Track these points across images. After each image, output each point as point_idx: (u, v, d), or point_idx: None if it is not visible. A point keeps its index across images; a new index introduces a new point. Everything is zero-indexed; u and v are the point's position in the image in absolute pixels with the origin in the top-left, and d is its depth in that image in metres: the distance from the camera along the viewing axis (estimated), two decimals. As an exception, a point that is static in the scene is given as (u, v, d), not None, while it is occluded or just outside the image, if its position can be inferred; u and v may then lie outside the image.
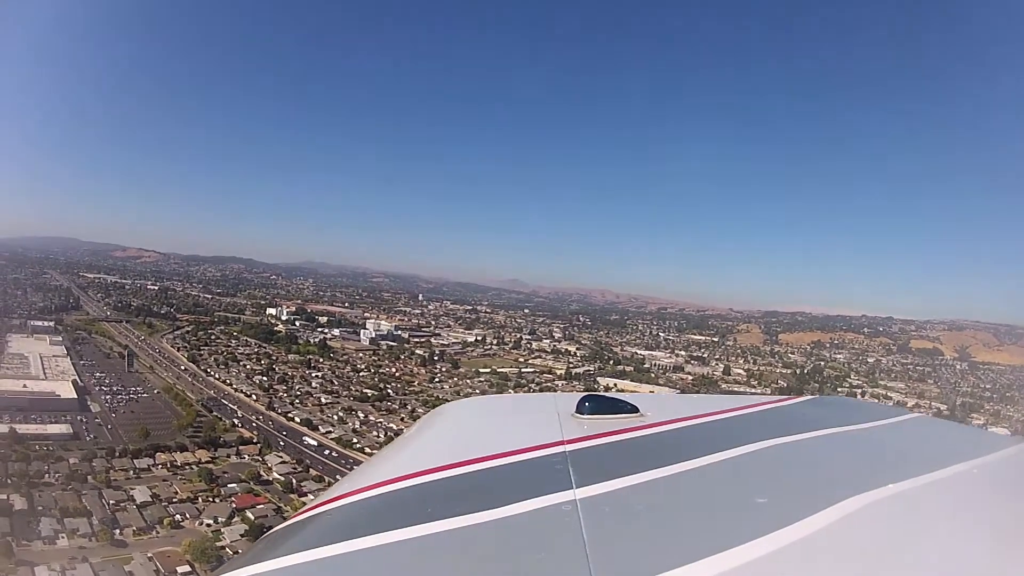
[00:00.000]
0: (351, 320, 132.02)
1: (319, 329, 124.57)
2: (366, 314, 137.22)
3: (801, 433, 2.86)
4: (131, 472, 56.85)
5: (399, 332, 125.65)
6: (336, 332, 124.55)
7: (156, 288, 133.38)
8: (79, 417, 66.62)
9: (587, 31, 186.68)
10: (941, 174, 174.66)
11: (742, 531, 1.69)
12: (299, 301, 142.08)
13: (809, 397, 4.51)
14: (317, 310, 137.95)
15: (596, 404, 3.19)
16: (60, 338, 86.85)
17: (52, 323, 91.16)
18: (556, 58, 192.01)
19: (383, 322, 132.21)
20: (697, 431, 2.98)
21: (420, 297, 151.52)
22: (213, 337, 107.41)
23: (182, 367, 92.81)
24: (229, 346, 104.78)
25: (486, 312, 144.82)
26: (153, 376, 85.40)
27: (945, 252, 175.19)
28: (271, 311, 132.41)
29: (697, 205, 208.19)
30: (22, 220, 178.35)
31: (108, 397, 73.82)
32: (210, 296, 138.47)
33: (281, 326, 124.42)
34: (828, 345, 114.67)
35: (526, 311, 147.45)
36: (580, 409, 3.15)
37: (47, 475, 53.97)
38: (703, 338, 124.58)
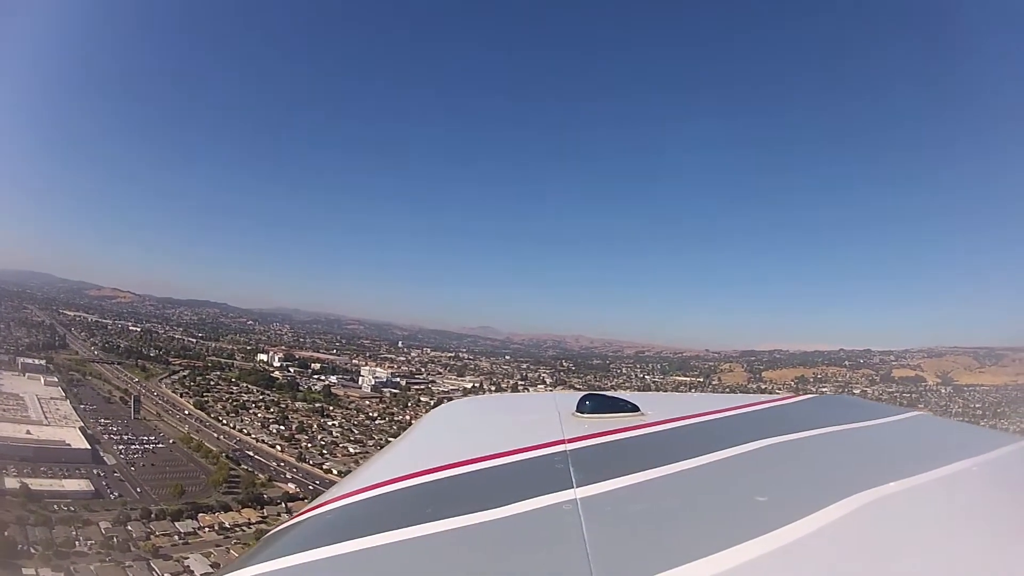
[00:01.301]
0: (343, 367, 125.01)
1: (316, 376, 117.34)
2: (354, 361, 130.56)
3: (802, 431, 2.74)
4: (176, 537, 47.89)
5: (397, 379, 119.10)
6: (333, 379, 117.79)
7: (138, 330, 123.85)
8: (95, 471, 56.94)
9: (556, 84, 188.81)
10: (906, 208, 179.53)
11: (743, 530, 1.64)
12: (283, 347, 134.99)
13: (810, 396, 4.31)
14: (304, 356, 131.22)
15: (596, 403, 3.10)
16: (55, 379, 76.03)
17: (43, 362, 79.89)
18: (521, 109, 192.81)
19: (378, 369, 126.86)
20: (698, 430, 2.88)
21: (400, 344, 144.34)
22: (212, 383, 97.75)
23: (187, 413, 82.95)
24: (231, 393, 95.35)
25: (469, 359, 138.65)
26: (162, 424, 75.65)
27: (917, 281, 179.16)
28: (262, 357, 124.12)
29: (666, 251, 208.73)
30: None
31: (121, 447, 64.01)
32: (194, 340, 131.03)
33: (278, 373, 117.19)
34: (812, 380, 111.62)
35: (507, 357, 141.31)
36: (580, 408, 3.07)
37: (77, 542, 44.31)
38: (689, 379, 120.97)
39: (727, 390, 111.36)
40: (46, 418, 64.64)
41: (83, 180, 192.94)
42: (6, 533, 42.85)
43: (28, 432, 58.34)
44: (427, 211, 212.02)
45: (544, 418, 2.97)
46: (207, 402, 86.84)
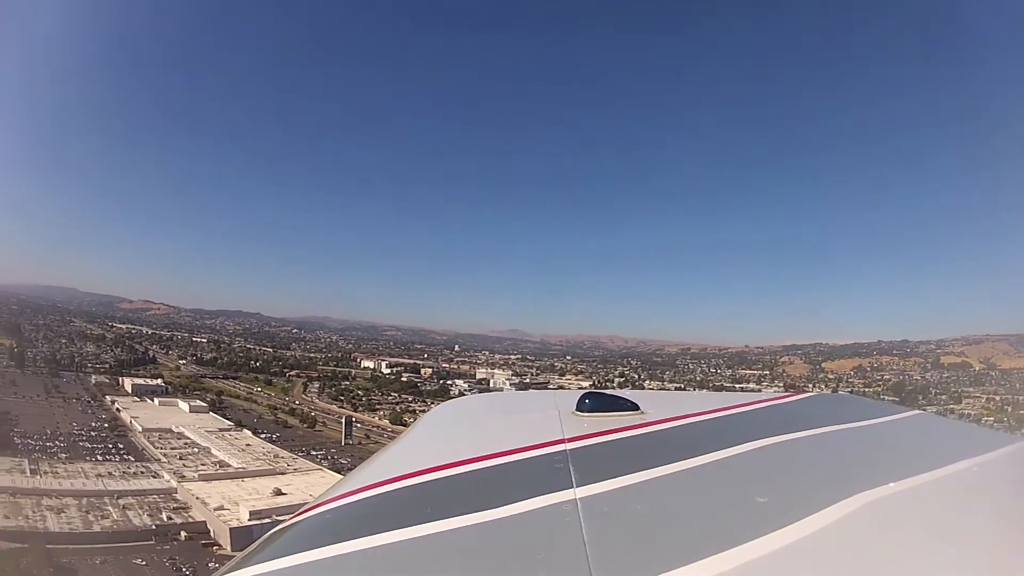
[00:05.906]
0: (454, 372, 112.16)
1: (443, 382, 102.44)
2: (448, 366, 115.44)
3: (803, 431, 2.65)
4: None
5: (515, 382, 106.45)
6: (464, 384, 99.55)
7: (204, 341, 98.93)
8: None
9: (576, 93, 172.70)
10: (927, 207, 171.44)
11: (744, 530, 1.59)
12: (362, 354, 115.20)
13: (811, 394, 4.13)
14: (396, 363, 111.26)
15: (597, 402, 3.00)
16: (201, 403, 45.46)
17: (159, 381, 49.44)
18: (551, 111, 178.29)
19: (496, 372, 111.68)
20: (698, 429, 2.79)
21: (456, 348, 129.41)
22: (364, 394, 73.48)
23: (382, 430, 55.48)
24: (400, 403, 69.15)
25: (533, 361, 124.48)
26: (377, 448, 46.00)
27: (949, 271, 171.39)
28: (367, 364, 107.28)
29: (695, 249, 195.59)
30: (18, 266, 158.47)
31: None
32: (271, 350, 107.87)
33: (407, 379, 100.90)
34: (869, 369, 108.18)
35: (568, 358, 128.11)
36: (581, 407, 2.97)
37: None
38: (755, 372, 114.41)
39: (793, 381, 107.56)
40: (252, 461, 34.57)
41: (95, 193, 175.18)
42: None
43: (279, 491, 28.58)
44: (450, 215, 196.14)
45: (544, 417, 2.84)
46: (400, 416, 59.95)
